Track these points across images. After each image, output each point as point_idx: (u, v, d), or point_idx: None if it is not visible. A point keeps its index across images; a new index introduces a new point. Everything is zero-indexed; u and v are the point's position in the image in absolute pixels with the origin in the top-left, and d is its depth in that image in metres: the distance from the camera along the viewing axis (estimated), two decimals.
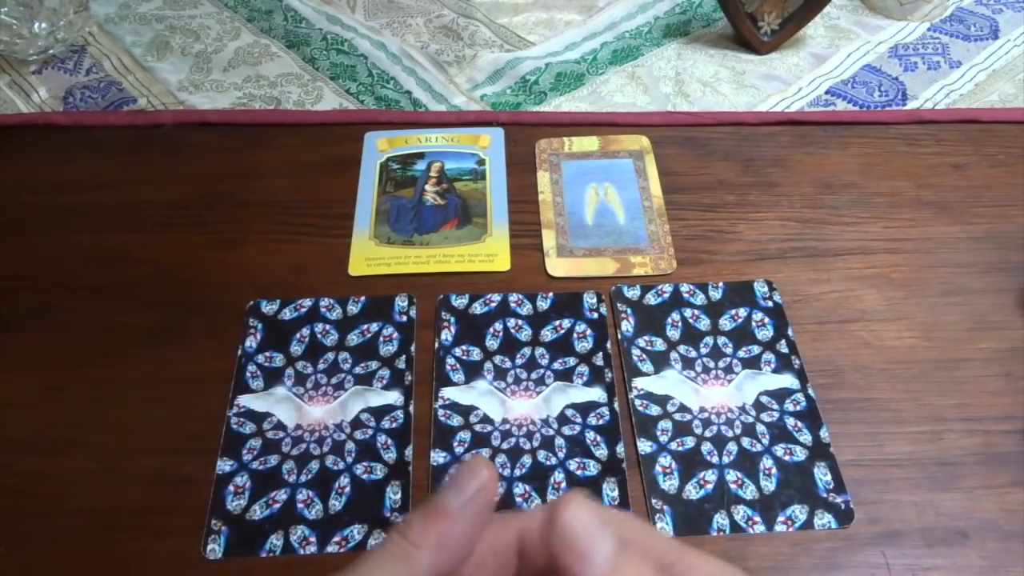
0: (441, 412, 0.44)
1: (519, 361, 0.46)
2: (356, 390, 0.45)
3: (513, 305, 0.49)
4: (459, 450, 0.43)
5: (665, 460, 0.42)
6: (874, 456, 0.43)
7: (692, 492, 0.41)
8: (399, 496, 0.41)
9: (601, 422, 0.44)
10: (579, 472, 0.42)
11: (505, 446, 0.43)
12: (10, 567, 0.39)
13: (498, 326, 0.48)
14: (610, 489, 0.41)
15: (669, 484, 0.42)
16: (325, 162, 0.58)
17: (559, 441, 0.43)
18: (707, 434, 0.43)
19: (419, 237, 0.53)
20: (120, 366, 0.46)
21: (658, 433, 0.43)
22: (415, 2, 0.71)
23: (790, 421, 0.44)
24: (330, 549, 0.39)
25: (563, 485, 0.42)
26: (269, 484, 0.41)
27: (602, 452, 0.43)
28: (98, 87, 0.63)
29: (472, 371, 0.46)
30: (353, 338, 0.47)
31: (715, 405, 0.45)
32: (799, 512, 0.41)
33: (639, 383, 0.45)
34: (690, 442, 0.43)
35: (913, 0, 0.69)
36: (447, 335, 0.47)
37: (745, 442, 0.43)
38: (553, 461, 0.42)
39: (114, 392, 0.45)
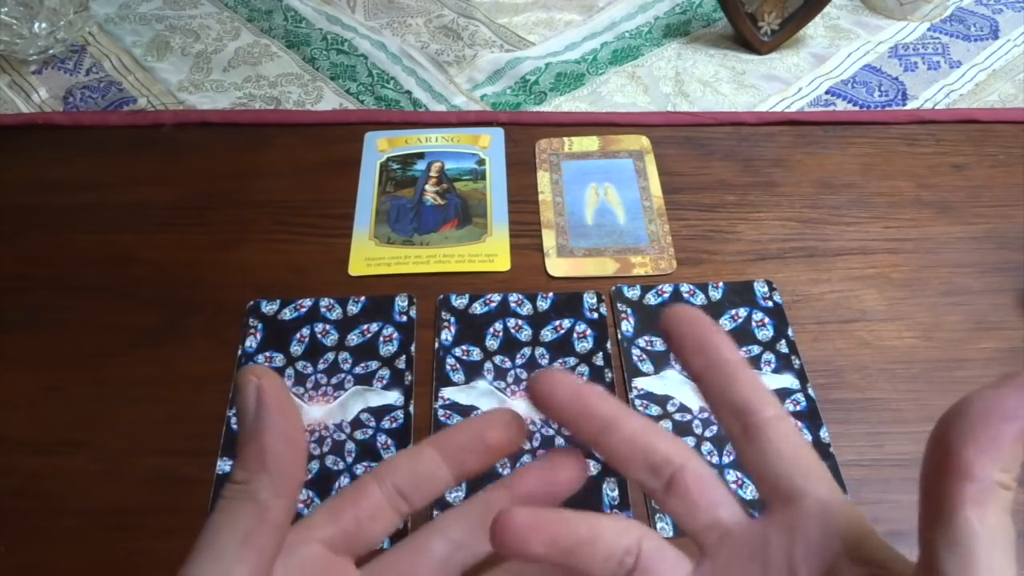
0: (441, 412, 0.44)
1: (519, 361, 0.46)
2: (356, 390, 0.45)
3: (513, 305, 0.49)
4: None
5: None
6: (874, 456, 0.43)
7: None
8: None
9: None
10: None
11: None
12: (10, 567, 0.39)
13: (498, 326, 0.48)
14: (610, 489, 0.41)
15: None
16: (325, 162, 0.58)
17: (559, 441, 0.43)
18: (707, 434, 0.43)
19: (419, 237, 0.53)
20: (120, 366, 0.46)
21: None
22: (415, 2, 0.71)
23: None
24: None
25: None
26: None
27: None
28: (98, 87, 0.63)
29: (472, 371, 0.46)
30: (353, 338, 0.47)
31: None
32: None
33: (639, 383, 0.45)
34: (690, 442, 0.43)
35: (913, 0, 0.69)
36: (447, 335, 0.47)
37: None
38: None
39: (114, 392, 0.45)
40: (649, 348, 0.47)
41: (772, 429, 0.20)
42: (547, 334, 0.48)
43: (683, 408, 0.44)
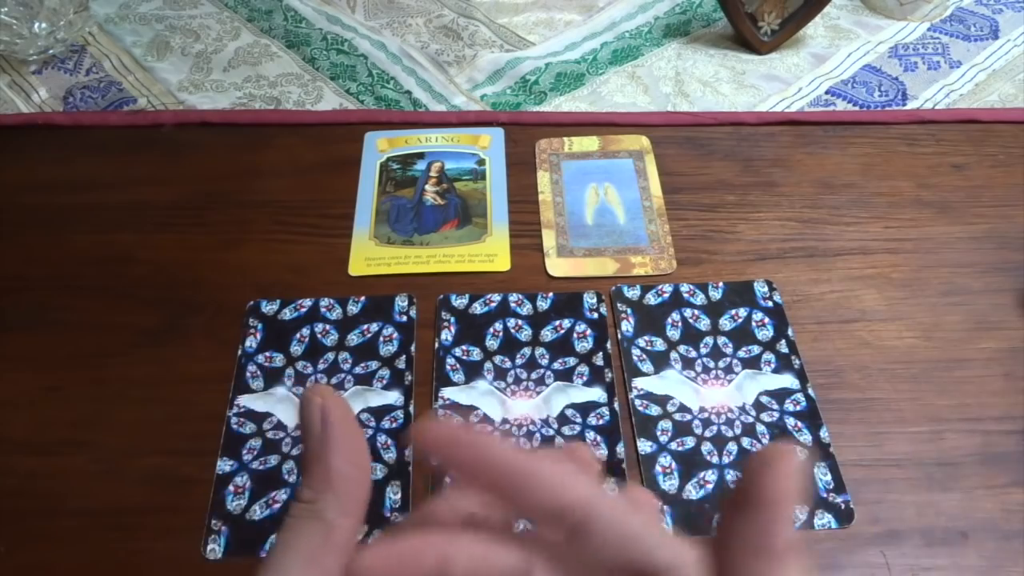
0: (441, 412, 0.44)
1: (519, 361, 0.46)
2: (356, 390, 0.45)
3: (513, 305, 0.49)
4: None
5: (665, 460, 0.42)
6: (874, 456, 0.43)
7: (692, 492, 0.41)
8: (399, 496, 0.41)
9: (601, 422, 0.44)
10: None
11: None
12: (10, 567, 0.39)
13: (498, 326, 0.48)
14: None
15: (669, 484, 0.42)
16: (325, 162, 0.58)
17: (559, 441, 0.43)
18: (707, 434, 0.43)
19: (419, 237, 0.53)
20: (120, 366, 0.46)
21: (658, 433, 0.43)
22: (415, 2, 0.71)
23: (790, 421, 0.44)
24: None
25: None
26: (269, 484, 0.41)
27: (602, 452, 0.43)
28: (98, 87, 0.63)
29: (472, 371, 0.46)
30: (353, 338, 0.47)
31: (715, 405, 0.45)
32: (799, 512, 0.40)
33: (639, 383, 0.45)
34: (690, 442, 0.43)
35: (913, 0, 0.69)
36: (447, 335, 0.47)
37: (745, 442, 0.43)
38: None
39: (114, 392, 0.45)
40: (649, 348, 0.47)
41: (598, 514, 0.18)
42: (547, 334, 0.48)
43: (683, 408, 0.44)
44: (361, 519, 0.20)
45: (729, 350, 0.47)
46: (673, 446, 0.43)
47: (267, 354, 0.46)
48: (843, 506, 0.41)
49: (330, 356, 0.46)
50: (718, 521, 0.18)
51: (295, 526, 0.19)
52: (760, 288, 0.50)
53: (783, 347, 0.47)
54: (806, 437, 0.43)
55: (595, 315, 0.48)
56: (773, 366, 0.46)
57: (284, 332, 0.47)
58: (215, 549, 0.39)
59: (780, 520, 0.17)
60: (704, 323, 0.48)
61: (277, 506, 0.41)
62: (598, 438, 0.43)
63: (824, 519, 0.40)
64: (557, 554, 0.19)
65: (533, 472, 0.19)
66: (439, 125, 0.60)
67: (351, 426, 0.20)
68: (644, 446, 0.43)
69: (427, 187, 0.56)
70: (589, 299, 0.49)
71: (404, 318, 0.48)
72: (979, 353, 0.47)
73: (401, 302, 0.49)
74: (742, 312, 0.49)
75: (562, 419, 0.44)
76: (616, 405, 0.44)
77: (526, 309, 0.49)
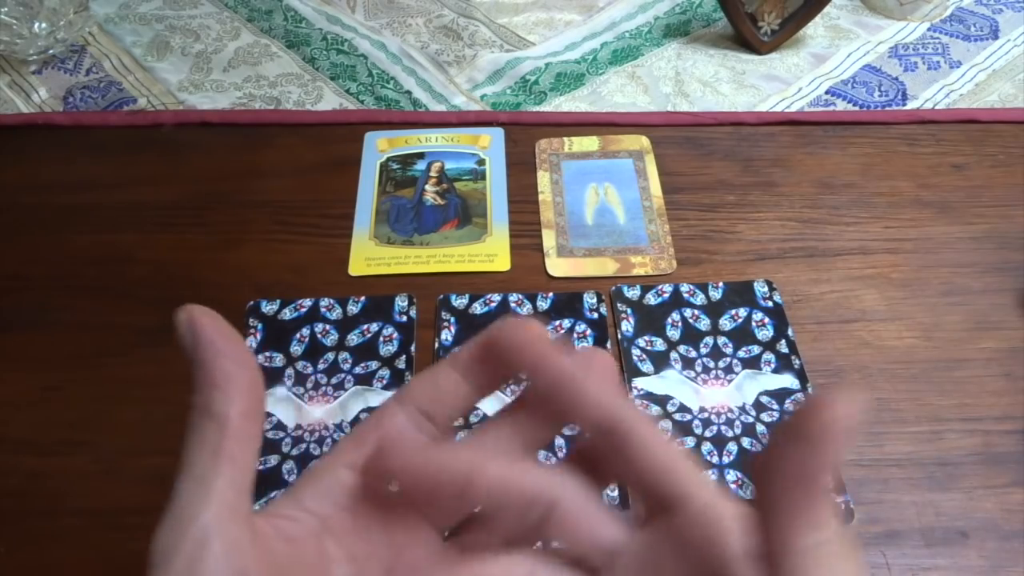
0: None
1: None
2: (356, 390, 0.45)
3: (513, 305, 0.49)
4: None
5: None
6: (874, 456, 0.43)
7: None
8: None
9: None
10: None
11: None
12: (10, 567, 0.39)
13: None
14: (610, 489, 0.41)
15: None
16: (325, 162, 0.58)
17: (559, 441, 0.43)
18: (707, 434, 0.43)
19: (419, 237, 0.53)
20: (120, 366, 0.46)
21: None
22: (415, 2, 0.71)
23: None
24: None
25: None
26: (269, 484, 0.41)
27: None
28: (98, 87, 0.63)
29: None
30: (353, 338, 0.47)
31: (715, 405, 0.45)
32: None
33: (639, 383, 0.45)
34: (690, 442, 0.43)
35: (913, 0, 0.69)
36: (447, 335, 0.47)
37: (745, 442, 0.43)
38: (553, 461, 0.42)
39: (114, 392, 0.45)
40: (649, 348, 0.47)
41: (637, 438, 0.19)
42: None
43: (683, 408, 0.44)
44: (254, 406, 0.21)
45: (729, 350, 0.47)
46: None
47: (267, 354, 0.46)
48: (843, 506, 0.41)
49: (330, 356, 0.46)
50: (765, 446, 0.18)
51: (194, 428, 0.20)
52: (760, 288, 0.50)
53: (783, 347, 0.47)
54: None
55: (595, 315, 0.48)
56: (773, 366, 0.46)
57: (284, 332, 0.47)
58: None
59: (824, 457, 0.17)
60: (704, 323, 0.48)
61: None
62: None
63: None
64: (583, 490, 0.20)
65: (584, 382, 0.20)
66: (439, 125, 0.60)
67: (223, 328, 0.21)
68: None
69: (427, 187, 0.56)
70: (589, 299, 0.49)
71: (404, 318, 0.48)
72: (979, 353, 0.47)
73: (401, 302, 0.49)
74: (742, 312, 0.49)
75: None
76: None
77: (526, 309, 0.49)
